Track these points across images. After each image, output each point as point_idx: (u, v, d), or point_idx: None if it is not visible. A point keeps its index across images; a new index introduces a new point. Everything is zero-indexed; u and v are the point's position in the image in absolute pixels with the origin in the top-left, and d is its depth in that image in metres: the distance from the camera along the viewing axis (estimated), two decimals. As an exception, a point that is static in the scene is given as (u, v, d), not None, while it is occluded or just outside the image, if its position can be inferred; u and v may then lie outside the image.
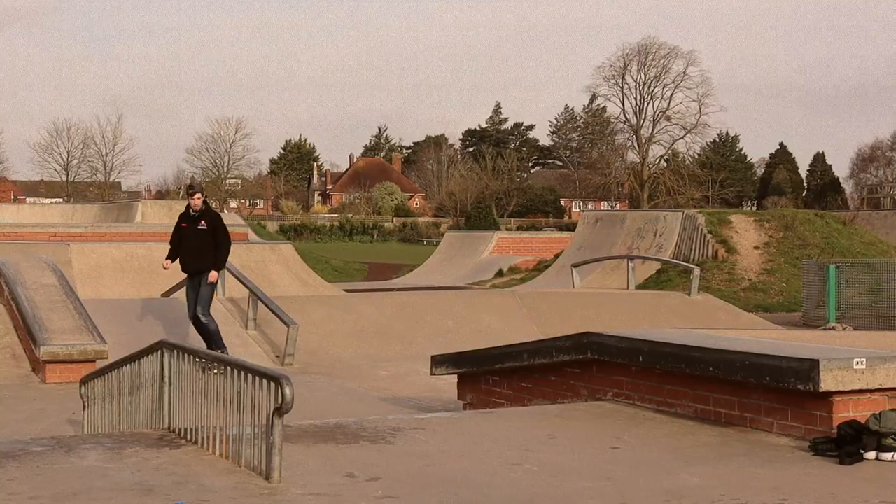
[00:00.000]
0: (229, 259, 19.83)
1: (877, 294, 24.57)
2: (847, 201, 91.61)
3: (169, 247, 14.02)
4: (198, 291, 13.64)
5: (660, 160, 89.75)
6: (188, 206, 13.70)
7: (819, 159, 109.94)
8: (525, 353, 9.06)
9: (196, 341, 13.85)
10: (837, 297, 24.15)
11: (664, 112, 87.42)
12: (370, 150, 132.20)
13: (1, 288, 15.78)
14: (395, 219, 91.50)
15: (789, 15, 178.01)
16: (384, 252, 68.47)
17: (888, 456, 6.18)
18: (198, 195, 13.63)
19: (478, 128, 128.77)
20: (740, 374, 6.94)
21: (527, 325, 18.40)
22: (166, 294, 20.25)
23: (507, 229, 66.08)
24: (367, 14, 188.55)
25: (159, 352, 7.13)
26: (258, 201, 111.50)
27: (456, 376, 10.29)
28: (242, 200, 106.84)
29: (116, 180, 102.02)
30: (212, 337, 13.67)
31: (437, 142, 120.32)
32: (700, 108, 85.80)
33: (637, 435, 7.01)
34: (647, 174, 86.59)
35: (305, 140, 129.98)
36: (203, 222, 13.52)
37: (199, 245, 13.57)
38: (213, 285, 13.74)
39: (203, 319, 13.64)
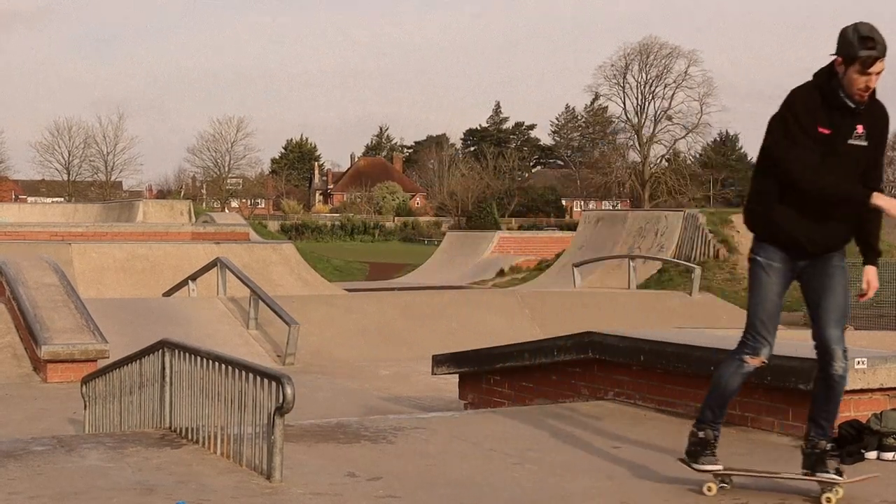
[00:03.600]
0: (230, 259, 19.93)
1: (878, 294, 24.56)
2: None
3: None
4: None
5: (661, 160, 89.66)
6: (827, 83, 5.22)
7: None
8: (526, 352, 9.05)
9: (197, 339, 13.55)
10: (839, 296, 24.13)
11: (665, 112, 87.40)
12: (371, 150, 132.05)
13: (2, 287, 15.78)
14: (396, 218, 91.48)
15: (791, 14, 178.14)
16: (385, 251, 68.44)
17: (889, 456, 6.18)
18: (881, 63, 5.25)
19: (478, 127, 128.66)
20: (742, 373, 6.92)
21: (528, 325, 18.40)
22: (167, 293, 20.28)
23: (509, 229, 65.93)
24: (368, 14, 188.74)
25: (160, 351, 7.13)
26: (259, 201, 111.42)
27: (457, 376, 10.29)
28: (244, 200, 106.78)
29: (118, 180, 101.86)
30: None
31: (439, 141, 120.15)
32: (701, 108, 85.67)
33: (638, 434, 7.00)
34: (649, 174, 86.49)
35: (307, 139, 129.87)
36: (860, 128, 5.20)
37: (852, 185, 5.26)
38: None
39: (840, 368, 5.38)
